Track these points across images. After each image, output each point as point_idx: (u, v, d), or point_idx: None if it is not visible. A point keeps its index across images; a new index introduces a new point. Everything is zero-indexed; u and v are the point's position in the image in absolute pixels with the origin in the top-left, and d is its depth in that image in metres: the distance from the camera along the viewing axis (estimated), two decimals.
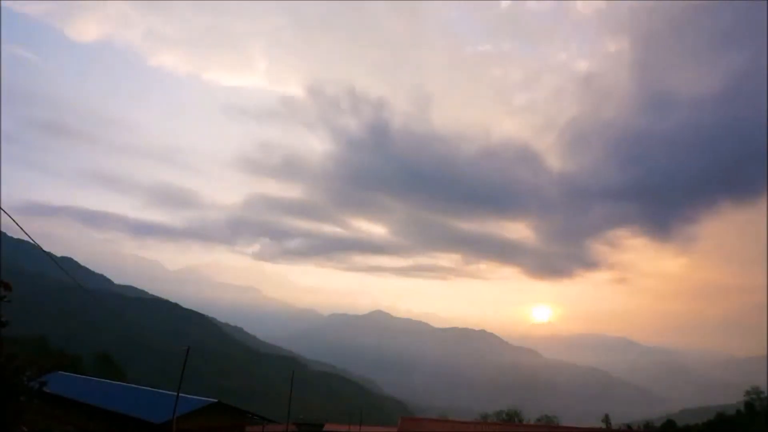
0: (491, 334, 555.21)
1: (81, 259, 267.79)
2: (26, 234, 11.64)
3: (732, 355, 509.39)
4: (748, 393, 57.98)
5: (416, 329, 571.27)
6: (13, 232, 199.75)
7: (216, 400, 27.78)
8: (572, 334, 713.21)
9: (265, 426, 33.03)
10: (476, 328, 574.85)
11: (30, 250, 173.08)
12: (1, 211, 8.69)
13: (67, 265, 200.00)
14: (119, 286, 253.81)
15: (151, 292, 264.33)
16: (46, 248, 15.35)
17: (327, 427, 51.73)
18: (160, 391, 30.34)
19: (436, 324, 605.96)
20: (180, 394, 23.56)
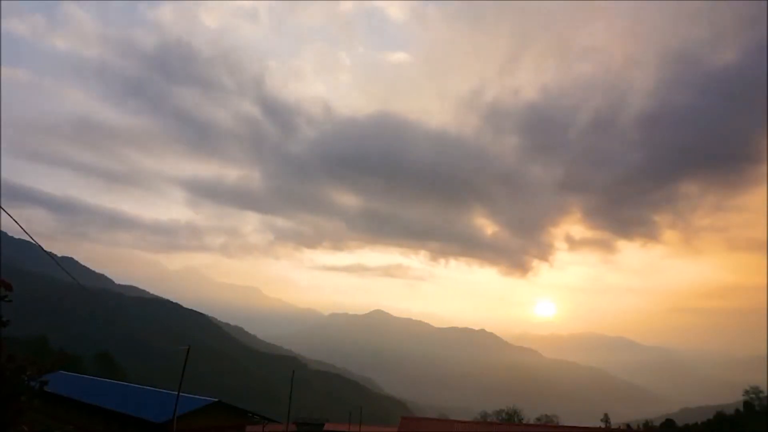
0: (491, 334, 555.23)
1: (81, 258, 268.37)
2: (27, 234, 11.68)
3: (731, 355, 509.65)
4: (747, 392, 58.11)
5: (416, 329, 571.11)
6: (14, 232, 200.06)
7: (216, 400, 27.83)
8: (572, 334, 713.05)
9: (265, 425, 33.08)
10: (476, 328, 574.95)
11: (30, 249, 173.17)
12: (1, 211, 8.73)
13: (68, 264, 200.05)
14: (120, 285, 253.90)
15: (151, 291, 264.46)
16: (46, 248, 15.38)
17: (327, 426, 51.81)
18: (161, 390, 30.39)
19: (436, 324, 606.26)
20: (180, 394, 23.61)
